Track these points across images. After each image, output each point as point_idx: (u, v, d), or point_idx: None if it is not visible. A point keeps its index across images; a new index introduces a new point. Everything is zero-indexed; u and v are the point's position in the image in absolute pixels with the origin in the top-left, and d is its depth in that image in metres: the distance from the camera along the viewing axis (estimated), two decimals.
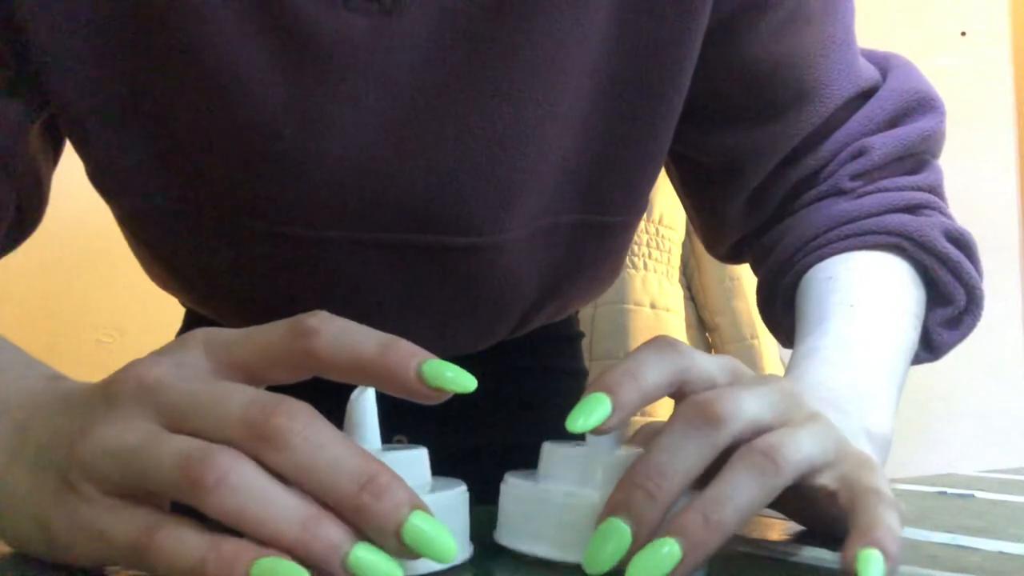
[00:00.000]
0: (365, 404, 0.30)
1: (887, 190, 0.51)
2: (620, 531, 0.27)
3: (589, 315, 1.48)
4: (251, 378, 0.28)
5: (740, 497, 0.28)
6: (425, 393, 0.27)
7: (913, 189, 0.51)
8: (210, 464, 0.24)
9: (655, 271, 1.56)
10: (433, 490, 0.30)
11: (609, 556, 0.27)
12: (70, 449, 0.26)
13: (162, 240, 0.50)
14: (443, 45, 0.42)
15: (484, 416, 0.61)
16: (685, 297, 1.67)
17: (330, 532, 0.24)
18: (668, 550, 0.27)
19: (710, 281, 1.69)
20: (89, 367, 1.48)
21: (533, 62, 0.43)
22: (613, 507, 0.28)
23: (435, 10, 0.42)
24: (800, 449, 0.29)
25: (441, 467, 0.33)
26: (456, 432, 0.59)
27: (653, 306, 1.54)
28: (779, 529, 0.40)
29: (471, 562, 0.31)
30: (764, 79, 0.50)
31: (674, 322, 1.59)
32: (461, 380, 0.27)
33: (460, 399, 0.67)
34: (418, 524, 0.25)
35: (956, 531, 0.39)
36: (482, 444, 0.59)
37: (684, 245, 1.67)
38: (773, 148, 0.52)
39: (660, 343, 0.31)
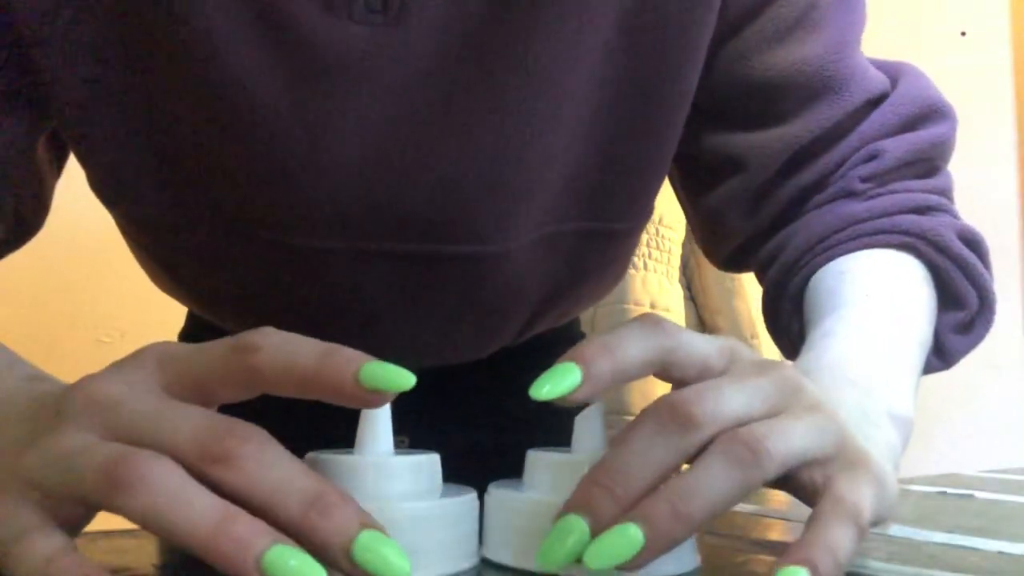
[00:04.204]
0: (379, 409, 0.30)
1: (898, 192, 0.50)
2: (578, 528, 0.26)
3: (589, 315, 1.48)
4: (203, 396, 0.27)
5: (714, 490, 0.26)
6: (365, 398, 0.26)
7: (925, 191, 0.51)
8: (132, 463, 0.24)
9: (655, 271, 1.56)
10: (443, 496, 0.30)
11: (565, 554, 0.26)
12: (16, 460, 0.26)
13: (164, 248, 0.50)
14: (447, 56, 0.42)
15: (486, 417, 0.61)
16: (685, 297, 1.67)
17: (243, 530, 0.23)
18: (630, 536, 0.25)
19: (710, 281, 1.69)
20: (89, 367, 1.48)
21: (537, 72, 0.43)
22: (572, 505, 0.27)
23: (439, 21, 0.42)
24: (790, 440, 0.28)
25: (444, 468, 0.33)
26: (458, 433, 0.59)
27: (653, 306, 1.54)
28: (779, 529, 0.40)
29: (478, 569, 0.31)
30: (774, 86, 0.50)
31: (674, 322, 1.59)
32: (397, 380, 0.26)
33: (462, 400, 0.67)
34: (368, 543, 0.24)
35: (956, 531, 0.39)
36: (484, 445, 0.59)
37: (684, 245, 1.67)
38: (780, 149, 0.52)
39: (646, 320, 0.30)
